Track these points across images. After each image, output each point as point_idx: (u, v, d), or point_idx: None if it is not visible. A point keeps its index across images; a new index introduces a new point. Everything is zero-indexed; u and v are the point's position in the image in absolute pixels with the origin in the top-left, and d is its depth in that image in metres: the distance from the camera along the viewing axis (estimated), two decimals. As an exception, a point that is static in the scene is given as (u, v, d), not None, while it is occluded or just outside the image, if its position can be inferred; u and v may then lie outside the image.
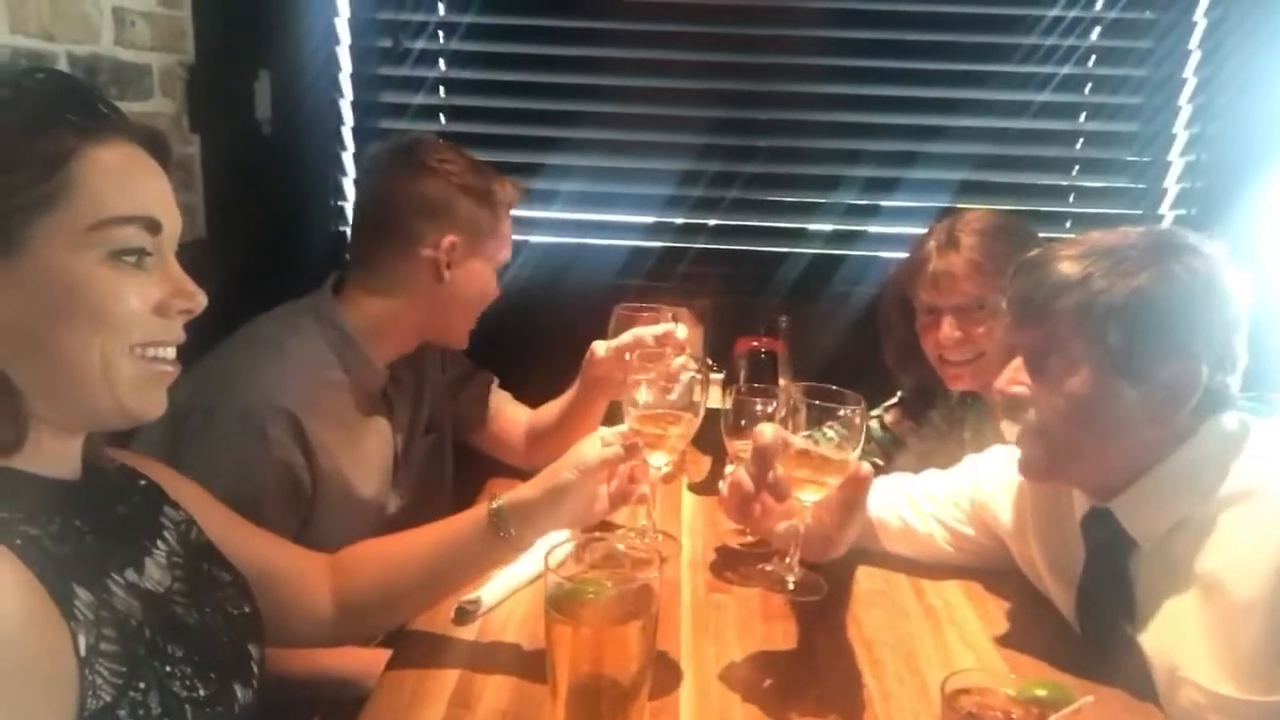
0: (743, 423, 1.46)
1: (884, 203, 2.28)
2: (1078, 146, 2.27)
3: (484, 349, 1.86)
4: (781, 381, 1.69)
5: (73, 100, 0.84)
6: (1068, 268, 1.13)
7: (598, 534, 1.15)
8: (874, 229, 2.28)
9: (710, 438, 1.60)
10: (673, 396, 1.28)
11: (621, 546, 1.01)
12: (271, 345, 1.46)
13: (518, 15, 2.22)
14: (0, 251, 0.79)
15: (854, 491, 1.15)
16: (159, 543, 0.95)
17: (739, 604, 1.35)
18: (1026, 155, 2.27)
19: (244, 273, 1.96)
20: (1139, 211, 2.25)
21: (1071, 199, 2.31)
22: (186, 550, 0.98)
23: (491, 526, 1.14)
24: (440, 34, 2.22)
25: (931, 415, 1.88)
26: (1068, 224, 2.28)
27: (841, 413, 1.11)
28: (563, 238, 2.31)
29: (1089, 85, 2.23)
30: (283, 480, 1.38)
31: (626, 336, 1.58)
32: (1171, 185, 2.24)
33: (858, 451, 1.12)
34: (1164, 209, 2.25)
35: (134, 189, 0.85)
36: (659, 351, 1.50)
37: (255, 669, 0.99)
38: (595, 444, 1.16)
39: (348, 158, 2.26)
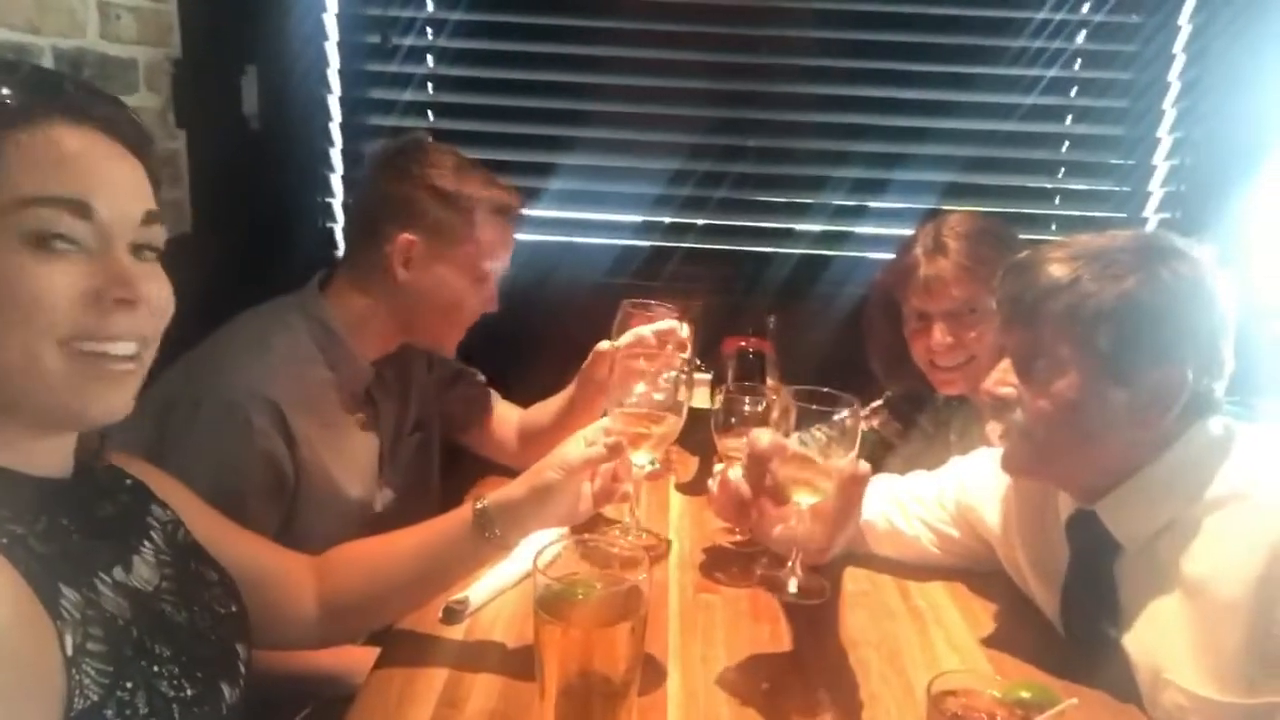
0: (732, 420, 1.47)
1: (871, 204, 2.28)
2: (1063, 149, 2.29)
3: (472, 347, 1.86)
4: (769, 381, 1.70)
5: (8, 81, 0.80)
6: (1057, 270, 1.13)
7: (586, 535, 1.15)
8: (861, 230, 2.29)
9: (698, 438, 1.60)
10: (658, 396, 1.28)
11: (615, 549, 1.01)
12: (258, 340, 1.46)
13: (507, 12, 2.22)
14: None
15: (850, 493, 1.15)
16: (146, 542, 0.94)
17: (727, 604, 1.36)
18: (1013, 158, 2.28)
19: (231, 268, 1.96)
20: (1123, 214, 2.27)
21: (1057, 201, 2.32)
22: (174, 550, 0.97)
23: (477, 527, 1.14)
24: (429, 30, 2.22)
25: (918, 418, 1.89)
26: (1053, 226, 2.30)
27: (836, 417, 1.11)
28: (551, 236, 2.31)
29: (1075, 89, 2.25)
30: (266, 471, 1.39)
31: (628, 336, 1.57)
32: (1156, 188, 2.25)
33: (853, 453, 1.12)
34: (1148, 212, 2.27)
35: (63, 171, 0.79)
36: (659, 350, 1.50)
37: (242, 669, 0.98)
38: (579, 443, 1.17)
39: (335, 154, 2.26)
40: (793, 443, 1.11)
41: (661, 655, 1.21)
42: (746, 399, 1.47)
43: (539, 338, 2.05)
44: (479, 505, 1.15)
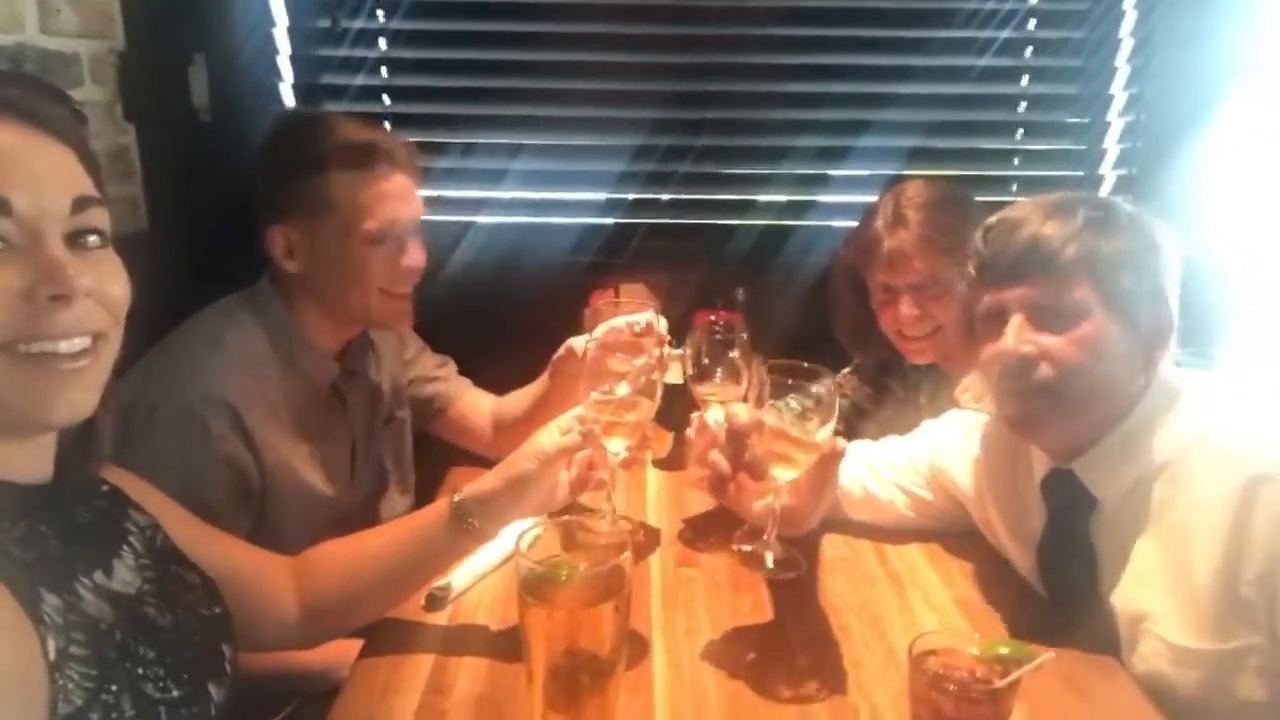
0: (705, 362, 1.47)
1: (833, 172, 2.29)
2: (1020, 110, 2.31)
3: (439, 333, 1.86)
4: (739, 354, 1.68)
5: None
6: (1057, 222, 1.15)
7: (567, 515, 1.15)
8: (824, 198, 2.29)
9: (673, 413, 1.61)
10: (622, 390, 1.24)
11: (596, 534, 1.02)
12: (211, 339, 1.43)
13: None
14: None
15: (827, 467, 1.16)
16: (125, 547, 0.93)
17: (707, 577, 1.37)
18: (971, 120, 2.29)
19: (190, 264, 1.92)
20: (1081, 172, 2.30)
21: (1016, 162, 2.34)
22: (153, 554, 0.96)
23: (454, 519, 1.14)
24: (380, 12, 2.17)
25: (888, 383, 1.91)
26: (1014, 187, 2.32)
27: (813, 389, 1.12)
28: (513, 217, 2.29)
29: (1029, 49, 2.26)
30: (229, 476, 1.36)
31: (601, 330, 1.47)
32: (1112, 146, 2.28)
33: (830, 426, 1.12)
34: (1105, 169, 2.29)
35: None
36: (636, 344, 1.42)
37: (228, 669, 0.98)
38: (553, 433, 1.17)
39: (291, 143, 2.21)
40: (769, 418, 1.11)
41: (645, 631, 1.22)
42: (718, 338, 1.47)
43: (508, 321, 2.04)
44: (456, 498, 1.14)
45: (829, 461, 1.15)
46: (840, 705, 1.08)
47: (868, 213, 1.74)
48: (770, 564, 1.20)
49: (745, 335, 1.49)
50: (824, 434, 1.12)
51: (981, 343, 1.21)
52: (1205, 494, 1.09)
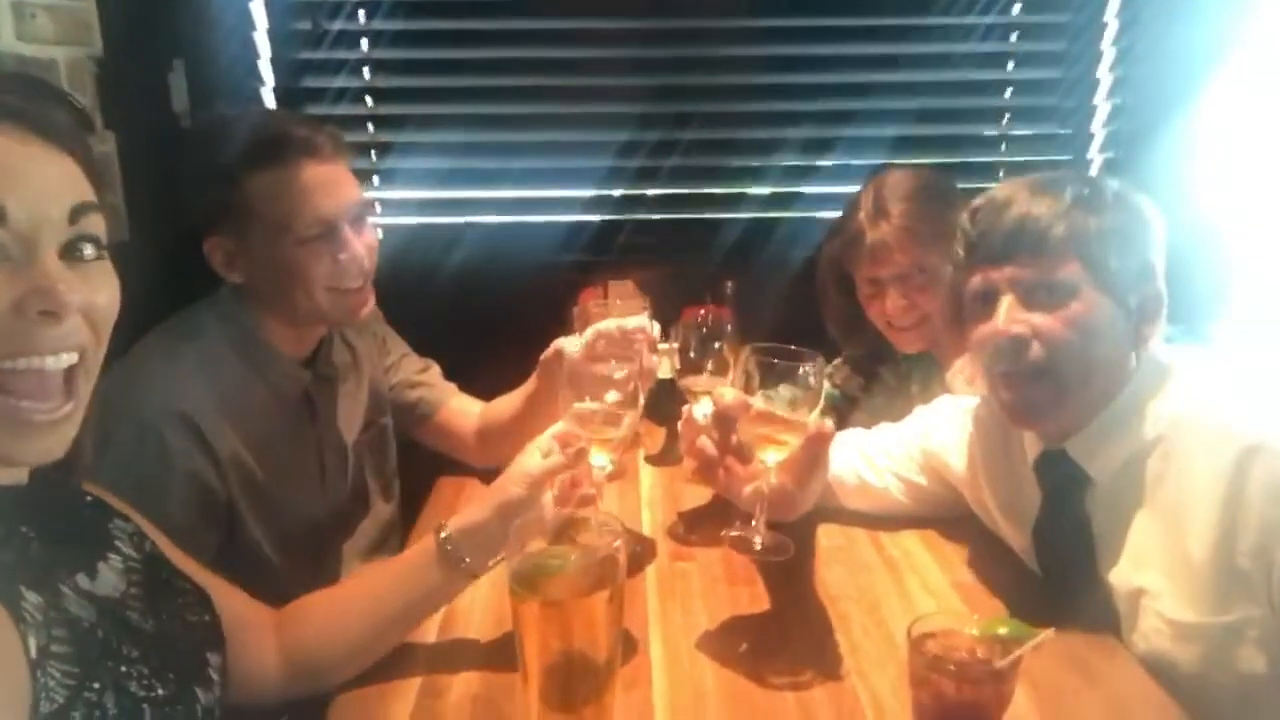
0: (691, 355, 1.45)
1: (819, 162, 2.28)
2: (1006, 95, 2.31)
3: (425, 336, 1.84)
4: (717, 344, 1.67)
5: None
6: (1045, 201, 1.15)
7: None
8: (811, 190, 2.28)
9: (664, 409, 1.60)
10: (611, 397, 1.20)
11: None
12: (168, 351, 1.38)
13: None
14: None
15: (816, 449, 1.14)
16: (112, 551, 0.92)
17: (703, 570, 1.36)
18: (957, 107, 2.29)
19: (173, 275, 1.90)
20: (1068, 156, 2.30)
21: (1003, 148, 2.34)
22: (143, 558, 0.95)
23: (443, 556, 1.09)
24: (361, 13, 2.16)
25: (880, 372, 1.90)
26: (1000, 173, 2.32)
27: (800, 371, 1.10)
28: (499, 217, 2.28)
29: (1015, 34, 2.26)
30: (191, 492, 1.32)
31: (590, 333, 1.41)
32: (1098, 129, 2.28)
33: (817, 409, 1.11)
34: (1092, 152, 2.29)
35: None
36: (627, 348, 1.36)
37: (215, 676, 0.96)
38: (535, 455, 1.12)
39: (273, 148, 2.19)
40: (757, 401, 1.10)
41: (642, 624, 1.20)
42: (705, 331, 1.45)
43: (495, 323, 2.02)
44: (442, 535, 1.10)
45: (817, 443, 1.13)
46: (839, 692, 1.06)
47: (849, 205, 1.73)
48: (758, 547, 1.19)
49: (731, 328, 1.48)
50: (811, 417, 1.11)
51: (971, 324, 1.20)
52: (1199, 468, 1.08)
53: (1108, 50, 2.23)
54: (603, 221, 2.28)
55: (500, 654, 1.11)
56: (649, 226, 2.29)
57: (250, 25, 2.11)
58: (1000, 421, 1.31)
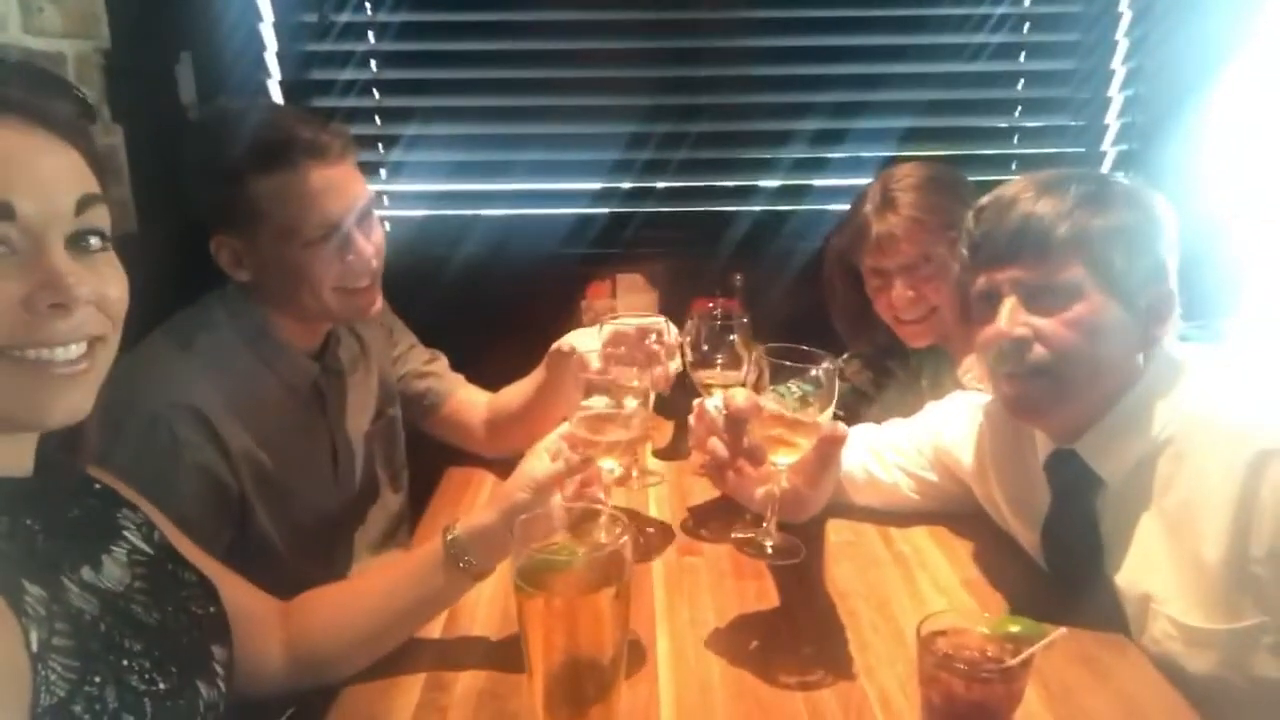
0: (704, 349, 1.43)
1: (830, 154, 2.26)
2: (1019, 87, 2.28)
3: (433, 328, 1.83)
4: (732, 337, 1.66)
5: None
6: (1049, 201, 1.13)
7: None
8: (821, 182, 2.27)
9: (672, 403, 1.58)
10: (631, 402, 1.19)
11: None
12: (180, 343, 1.38)
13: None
14: None
15: (828, 451, 1.13)
16: (119, 542, 0.92)
17: (710, 565, 1.35)
18: (969, 99, 2.27)
19: (182, 267, 1.89)
20: (1081, 149, 2.27)
21: (1015, 140, 2.32)
22: (150, 548, 0.95)
23: (451, 558, 1.09)
24: (367, 5, 2.15)
25: (890, 366, 1.89)
26: (1013, 165, 2.30)
27: (813, 373, 1.09)
28: (507, 209, 2.27)
29: (1027, 24, 2.23)
30: (202, 484, 1.31)
31: (606, 332, 1.41)
32: (1112, 120, 2.25)
33: (830, 410, 1.10)
34: (1106, 145, 2.27)
35: None
36: (646, 354, 1.36)
37: (220, 670, 0.96)
38: (543, 458, 1.12)
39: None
40: (768, 401, 1.09)
41: (649, 620, 1.20)
42: (717, 324, 1.43)
43: (503, 315, 2.02)
44: (450, 536, 1.10)
45: (828, 445, 1.12)
46: (848, 690, 1.05)
47: (857, 198, 1.72)
48: (769, 549, 1.17)
49: (745, 320, 1.46)
50: (824, 418, 1.10)
51: (977, 324, 1.19)
52: (1211, 470, 1.06)
53: (1121, 41, 2.20)
54: (611, 214, 2.26)
55: (506, 650, 1.11)
56: (658, 219, 2.28)
57: (257, 17, 2.10)
58: (1012, 419, 1.29)
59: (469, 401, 1.75)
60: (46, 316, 0.77)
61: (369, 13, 2.15)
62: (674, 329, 1.45)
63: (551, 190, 2.29)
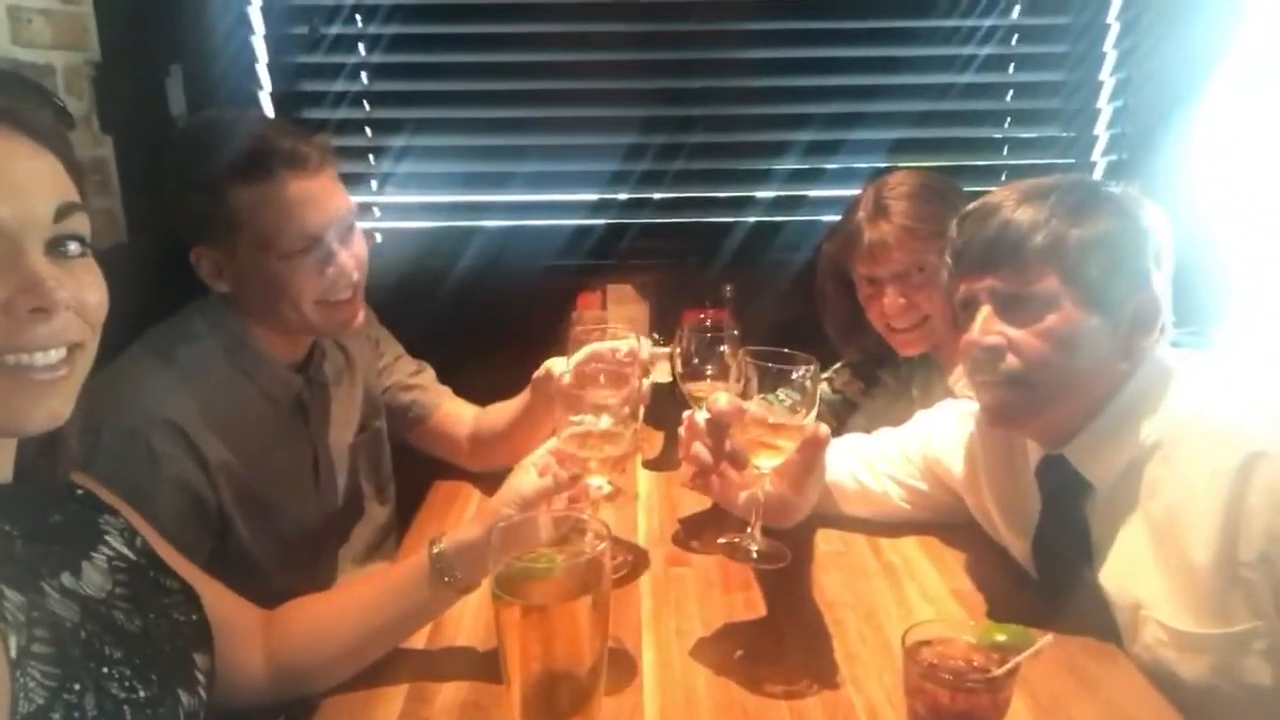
0: (695, 362, 1.42)
1: (821, 166, 2.26)
2: (1008, 98, 2.29)
3: (423, 339, 1.83)
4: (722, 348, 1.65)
5: None
6: (1028, 210, 1.12)
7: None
8: (814, 193, 2.27)
9: (662, 414, 1.58)
10: (605, 422, 1.18)
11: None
12: (159, 355, 1.36)
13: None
14: None
15: (811, 455, 1.13)
16: (100, 548, 0.92)
17: (699, 576, 1.34)
18: (959, 110, 2.27)
19: (169, 278, 1.89)
20: (1071, 160, 2.28)
21: (1005, 152, 2.32)
22: (132, 554, 0.95)
23: (435, 572, 1.09)
24: (358, 17, 2.15)
25: (880, 375, 1.88)
26: (1003, 176, 2.30)
27: (794, 376, 1.08)
28: (497, 220, 2.27)
29: (1016, 36, 2.24)
30: (181, 498, 1.30)
31: (583, 354, 1.39)
32: (1101, 132, 2.26)
33: (813, 414, 1.10)
34: (1095, 155, 2.27)
35: None
36: (619, 373, 1.34)
37: (201, 678, 0.95)
38: (530, 474, 1.12)
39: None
40: (751, 405, 1.08)
41: (635, 630, 1.19)
42: (707, 336, 1.43)
43: (493, 325, 2.02)
44: (435, 550, 1.09)
45: (812, 448, 1.11)
46: (834, 700, 1.04)
47: (850, 206, 1.72)
48: (754, 554, 1.17)
49: (735, 332, 1.46)
50: (807, 421, 1.09)
51: (960, 332, 1.20)
52: (1199, 473, 1.06)
53: (1110, 52, 2.21)
54: (603, 226, 2.26)
55: (490, 661, 1.08)
56: (649, 230, 2.28)
57: (248, 29, 2.10)
58: (990, 427, 1.29)
59: (455, 415, 1.73)
60: (26, 322, 0.77)
61: (360, 25, 2.16)
62: (646, 345, 1.44)
63: (544, 201, 2.29)
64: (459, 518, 1.55)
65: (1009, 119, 2.30)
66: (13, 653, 0.73)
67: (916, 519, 1.46)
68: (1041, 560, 1.26)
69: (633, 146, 2.22)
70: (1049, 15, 2.22)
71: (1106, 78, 2.22)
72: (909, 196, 1.64)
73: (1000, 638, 0.92)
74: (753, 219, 2.27)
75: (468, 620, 1.21)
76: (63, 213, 0.81)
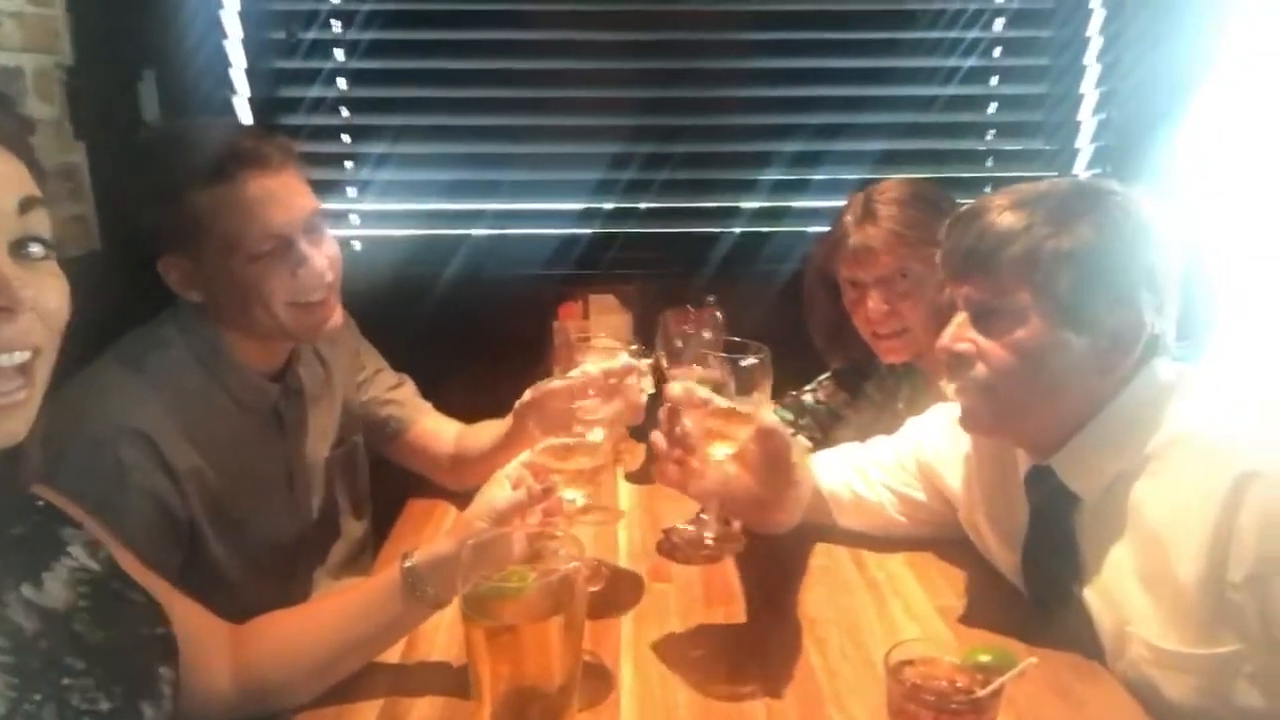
0: (678, 344, 1.41)
1: (806, 177, 2.25)
2: (991, 110, 2.29)
3: (405, 350, 1.79)
4: (707, 334, 1.63)
5: None
6: (1009, 217, 1.10)
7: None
8: (797, 204, 2.26)
9: (644, 425, 1.55)
10: (595, 436, 1.18)
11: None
12: (129, 364, 1.33)
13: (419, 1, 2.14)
14: None
15: (768, 446, 1.12)
16: (61, 559, 0.89)
17: (680, 591, 1.31)
18: (944, 122, 2.27)
19: (144, 285, 1.85)
20: (1054, 173, 2.27)
21: (989, 164, 2.32)
22: (98, 565, 0.93)
23: (408, 587, 1.06)
24: (336, 22, 2.13)
25: (865, 387, 1.87)
26: (987, 189, 2.28)
27: (744, 363, 1.09)
28: (481, 229, 2.24)
29: (999, 49, 2.24)
30: (149, 510, 1.26)
31: (576, 374, 1.34)
32: (1085, 144, 2.26)
33: (766, 400, 1.11)
34: (1079, 168, 2.27)
35: None
36: (616, 386, 1.32)
37: (167, 691, 0.92)
38: (504, 487, 1.10)
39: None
40: (705, 390, 1.09)
41: (615, 646, 1.16)
42: (691, 329, 1.42)
43: (476, 336, 2.00)
44: (407, 564, 1.06)
45: (765, 439, 1.11)
46: (816, 718, 1.02)
47: (842, 209, 1.71)
48: (709, 540, 1.17)
49: (720, 315, 1.46)
50: (764, 412, 1.11)
51: None
52: (1190, 491, 1.03)
53: (1093, 65, 2.21)
54: (586, 235, 2.24)
55: (464, 679, 1.06)
56: (634, 240, 2.26)
57: (223, 34, 2.08)
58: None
59: (433, 431, 1.69)
60: None
61: (337, 30, 2.13)
62: (644, 362, 1.40)
63: (526, 210, 2.26)
64: (434, 534, 1.52)
65: (993, 131, 2.30)
66: None
67: (913, 533, 1.44)
68: (1030, 574, 1.24)
69: (617, 155, 2.20)
70: (1032, 28, 2.22)
71: (1089, 91, 2.23)
72: (898, 202, 1.63)
73: (984, 658, 0.90)
74: (738, 230, 2.25)
75: (442, 636, 1.18)
76: (26, 206, 0.80)
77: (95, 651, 0.85)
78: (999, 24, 2.22)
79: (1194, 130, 2.08)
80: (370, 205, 2.23)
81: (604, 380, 1.31)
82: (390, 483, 1.72)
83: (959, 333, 1.14)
